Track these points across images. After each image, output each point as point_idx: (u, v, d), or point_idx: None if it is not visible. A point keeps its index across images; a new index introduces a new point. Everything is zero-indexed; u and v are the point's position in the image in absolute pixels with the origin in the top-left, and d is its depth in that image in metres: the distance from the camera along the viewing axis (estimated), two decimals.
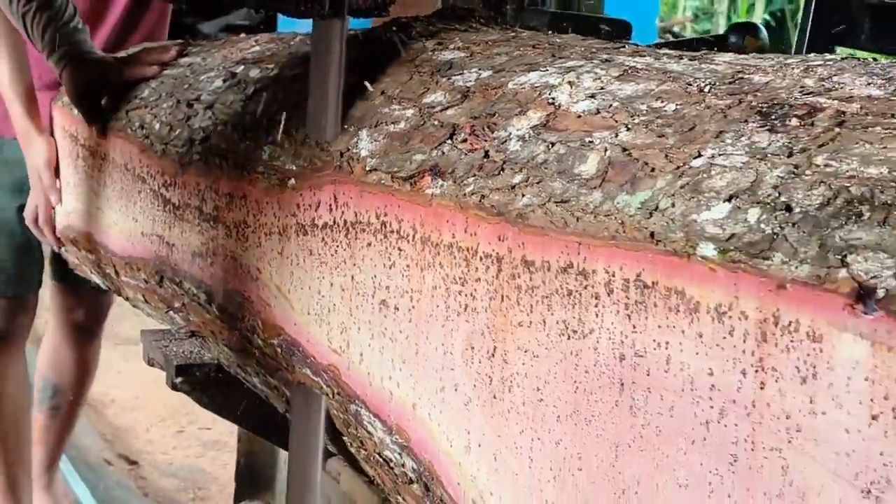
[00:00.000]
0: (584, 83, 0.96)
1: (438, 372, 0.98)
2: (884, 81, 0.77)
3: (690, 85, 0.87)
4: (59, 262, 2.34)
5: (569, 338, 0.82)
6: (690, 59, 0.96)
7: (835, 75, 0.81)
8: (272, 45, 1.60)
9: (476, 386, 0.93)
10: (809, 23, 1.10)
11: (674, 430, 0.73)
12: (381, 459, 1.12)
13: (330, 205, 1.15)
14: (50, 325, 2.64)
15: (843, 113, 0.74)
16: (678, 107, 0.85)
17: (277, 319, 1.27)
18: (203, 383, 1.71)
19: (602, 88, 0.93)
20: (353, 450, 1.24)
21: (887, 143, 0.68)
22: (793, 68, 0.85)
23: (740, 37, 1.67)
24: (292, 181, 1.23)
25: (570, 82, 0.96)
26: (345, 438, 1.25)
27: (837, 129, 0.72)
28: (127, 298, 1.91)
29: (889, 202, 0.63)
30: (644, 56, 1.00)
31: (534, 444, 0.86)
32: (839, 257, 0.63)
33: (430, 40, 1.23)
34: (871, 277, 0.61)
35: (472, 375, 0.93)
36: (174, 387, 1.74)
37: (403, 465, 1.05)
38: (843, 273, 0.62)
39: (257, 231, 1.31)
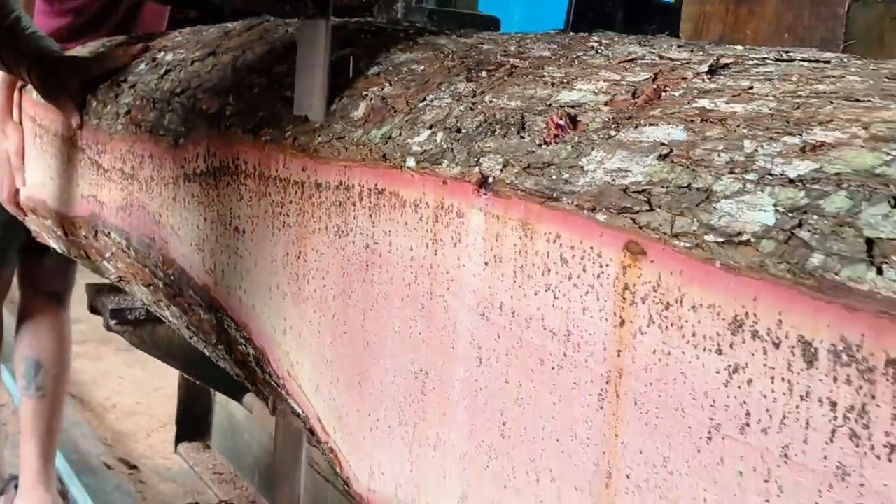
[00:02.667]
0: (380, 54, 1.25)
1: (267, 277, 1.27)
2: (557, 47, 1.06)
3: (442, 53, 1.17)
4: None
5: (340, 236, 1.11)
6: (458, 36, 1.25)
7: (532, 44, 1.10)
8: (189, 36, 1.90)
9: (289, 283, 1.22)
10: (571, 13, 1.37)
11: (393, 294, 1.02)
12: (240, 355, 1.41)
13: (205, 156, 1.44)
14: (21, 304, 2.86)
15: (516, 67, 1.03)
16: (425, 68, 1.14)
17: (172, 254, 1.57)
18: (134, 324, 2.00)
19: (387, 58, 1.23)
20: (230, 360, 1.53)
21: (528, 85, 0.97)
22: (514, 40, 1.15)
23: None
24: (182, 140, 1.52)
25: (369, 54, 1.26)
26: (227, 353, 1.53)
27: (506, 78, 1.01)
28: (76, 257, 2.21)
29: (511, 122, 0.92)
30: (430, 35, 1.29)
31: (321, 319, 1.15)
32: (476, 159, 0.92)
33: (292, 27, 1.52)
34: (489, 170, 0.90)
35: (287, 275, 1.22)
36: (109, 328, 2.04)
37: (249, 354, 1.35)
38: (476, 169, 0.91)
39: (160, 183, 1.61)
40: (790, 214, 0.65)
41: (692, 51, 0.94)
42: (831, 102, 0.74)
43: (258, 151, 1.29)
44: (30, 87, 2.27)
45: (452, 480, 0.94)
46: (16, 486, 2.83)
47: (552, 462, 0.82)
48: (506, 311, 0.87)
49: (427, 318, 0.97)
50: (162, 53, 1.85)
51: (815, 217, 0.64)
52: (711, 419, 0.68)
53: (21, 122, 2.37)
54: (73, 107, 2.05)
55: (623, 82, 0.90)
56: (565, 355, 0.81)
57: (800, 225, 0.64)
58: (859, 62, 0.83)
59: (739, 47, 0.95)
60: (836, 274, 0.61)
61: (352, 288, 1.09)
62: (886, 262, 0.59)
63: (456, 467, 0.93)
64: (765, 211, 0.67)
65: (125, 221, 1.76)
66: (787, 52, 0.88)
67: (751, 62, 0.86)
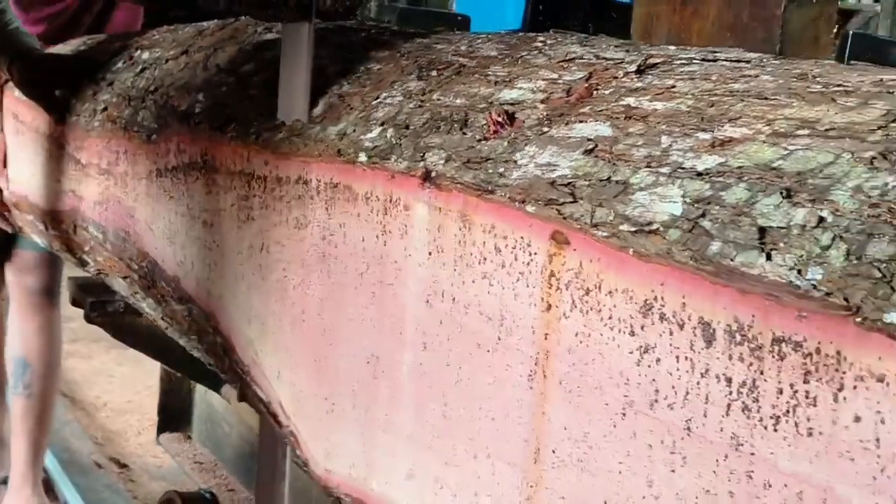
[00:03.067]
0: (341, 54, 1.30)
1: (234, 268, 1.32)
2: (504, 47, 1.11)
3: (399, 53, 1.21)
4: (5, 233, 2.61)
5: (299, 229, 1.16)
6: (420, 37, 1.30)
7: (482, 44, 1.15)
8: (167, 34, 1.94)
9: (253, 274, 1.27)
10: (528, 11, 1.41)
11: (347, 283, 1.07)
12: (209, 344, 1.45)
13: (176, 152, 1.49)
14: (11, 303, 2.87)
15: (464, 66, 1.08)
16: (381, 67, 1.19)
17: (145, 247, 1.61)
18: (112, 316, 2.05)
19: (347, 57, 1.27)
20: (202, 349, 1.57)
21: (473, 84, 1.02)
22: (467, 39, 1.19)
23: None
24: (154, 136, 1.57)
25: (331, 54, 1.30)
26: (198, 343, 1.58)
27: (454, 77, 1.06)
28: (58, 251, 2.25)
29: (455, 119, 0.97)
30: (390, 35, 1.34)
31: (282, 308, 1.20)
32: (421, 154, 0.97)
33: (261, 27, 1.57)
34: (433, 165, 0.95)
35: (251, 266, 1.27)
36: (89, 319, 2.08)
37: (217, 343, 1.39)
38: (421, 164, 0.96)
39: (134, 178, 1.65)
40: (696, 205, 0.70)
41: (627, 51, 0.99)
42: (743, 100, 0.78)
43: (224, 147, 1.34)
44: (12, 84, 2.31)
45: (400, 459, 0.99)
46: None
47: (488, 440, 0.87)
48: (447, 298, 0.92)
49: (377, 305, 1.02)
50: (139, 52, 1.89)
51: (717, 207, 0.69)
52: (626, 396, 0.73)
53: (3, 126, 2.40)
54: (53, 104, 2.09)
55: (560, 81, 0.95)
56: (499, 339, 0.86)
57: (703, 215, 0.70)
58: (776, 62, 0.88)
59: (672, 47, 1.00)
60: (732, 260, 0.66)
61: (310, 278, 1.14)
62: (775, 249, 0.64)
63: (403, 447, 0.98)
64: (674, 202, 0.72)
65: (102, 216, 1.81)
66: (713, 52, 0.93)
67: (678, 62, 0.91)
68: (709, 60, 0.90)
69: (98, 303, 2.03)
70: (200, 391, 2.53)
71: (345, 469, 1.08)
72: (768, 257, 0.64)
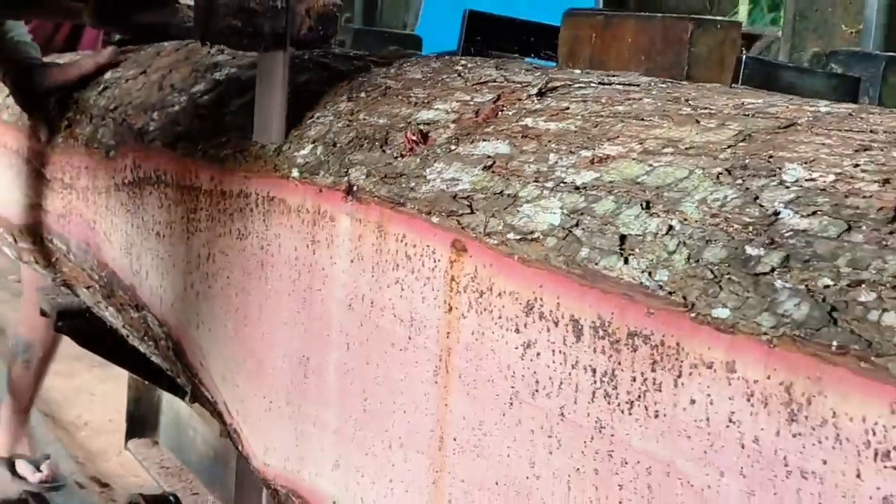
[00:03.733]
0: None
1: (184, 277, 1.40)
2: (429, 70, 1.19)
3: (344, 74, 1.30)
4: None
5: (241, 239, 1.24)
6: (357, 60, 1.38)
7: (409, 67, 1.23)
8: (130, 55, 2.02)
9: (201, 282, 1.35)
10: (463, 34, 1.49)
11: (282, 290, 1.15)
12: (163, 350, 1.53)
13: (132, 168, 1.57)
14: (24, 292, 2.97)
15: (390, 88, 1.16)
16: (318, 88, 1.27)
17: (105, 258, 1.69)
18: (78, 326, 2.12)
19: (292, 80, 1.35)
20: (158, 354, 1.65)
21: (396, 105, 1.11)
22: (398, 63, 1.28)
23: None
24: (112, 152, 1.65)
25: None
26: (154, 348, 1.66)
27: (380, 98, 1.15)
28: (27, 262, 2.33)
29: (377, 138, 1.06)
30: (331, 58, 1.42)
31: (226, 314, 1.28)
32: (346, 170, 1.05)
33: (213, 48, 1.65)
34: (355, 180, 1.03)
35: (199, 275, 1.35)
36: (57, 329, 2.15)
37: (170, 348, 1.47)
38: (345, 178, 1.05)
39: (94, 192, 1.73)
40: (571, 216, 0.79)
41: (537, 74, 1.07)
42: (623, 121, 0.87)
43: (175, 162, 1.42)
44: None
45: (327, 451, 1.07)
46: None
47: (400, 431, 0.95)
48: (366, 302, 1.00)
49: (308, 310, 1.10)
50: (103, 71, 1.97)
51: (588, 218, 0.78)
52: (513, 387, 0.82)
53: None
54: (43, 116, 2.13)
55: (471, 102, 1.03)
56: (409, 338, 0.94)
57: (576, 224, 0.78)
58: (663, 86, 0.96)
59: (577, 71, 1.09)
60: (596, 264, 0.74)
61: (250, 285, 1.22)
62: (632, 254, 0.73)
63: (330, 440, 1.06)
64: (553, 213, 0.80)
65: (65, 228, 1.89)
66: (610, 76, 1.02)
67: (577, 85, 1.00)
68: (604, 84, 0.99)
69: (65, 312, 2.10)
70: (168, 398, 2.61)
71: (280, 462, 1.16)
72: (626, 261, 0.73)
